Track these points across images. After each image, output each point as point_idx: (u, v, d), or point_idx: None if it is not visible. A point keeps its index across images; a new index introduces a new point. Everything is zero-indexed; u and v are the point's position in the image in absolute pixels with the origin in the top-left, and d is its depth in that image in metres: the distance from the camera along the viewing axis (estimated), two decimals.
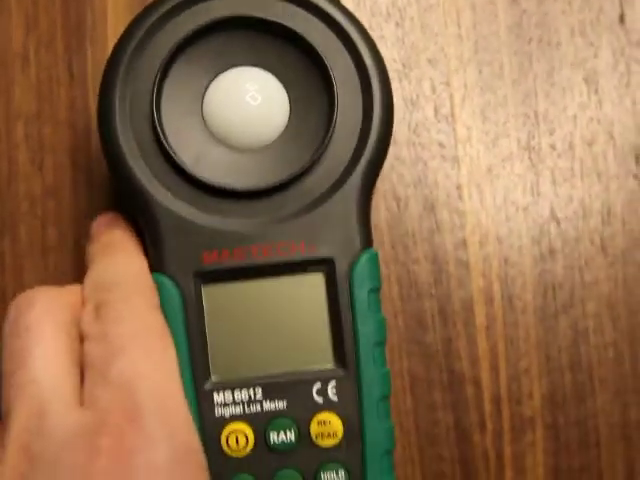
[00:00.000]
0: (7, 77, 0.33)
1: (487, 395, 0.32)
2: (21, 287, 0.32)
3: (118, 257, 0.28)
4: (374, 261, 0.28)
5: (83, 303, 0.27)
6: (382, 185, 0.33)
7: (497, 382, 0.32)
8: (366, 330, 0.28)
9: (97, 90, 0.32)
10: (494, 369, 0.32)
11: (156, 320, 0.27)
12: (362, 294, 0.28)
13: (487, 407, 0.32)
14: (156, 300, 0.27)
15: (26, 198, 0.33)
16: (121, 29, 0.30)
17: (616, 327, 0.32)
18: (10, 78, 0.33)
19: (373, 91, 0.28)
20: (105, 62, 0.29)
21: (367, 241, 0.28)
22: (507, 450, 0.32)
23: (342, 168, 0.28)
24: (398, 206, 0.33)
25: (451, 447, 0.32)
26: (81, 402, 0.24)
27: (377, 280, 0.28)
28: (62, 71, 0.33)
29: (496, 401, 0.32)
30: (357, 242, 0.28)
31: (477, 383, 0.32)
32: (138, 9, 0.29)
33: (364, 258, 0.28)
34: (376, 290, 0.28)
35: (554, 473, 0.32)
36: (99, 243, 0.29)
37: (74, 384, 0.25)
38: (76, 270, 0.32)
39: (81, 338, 0.26)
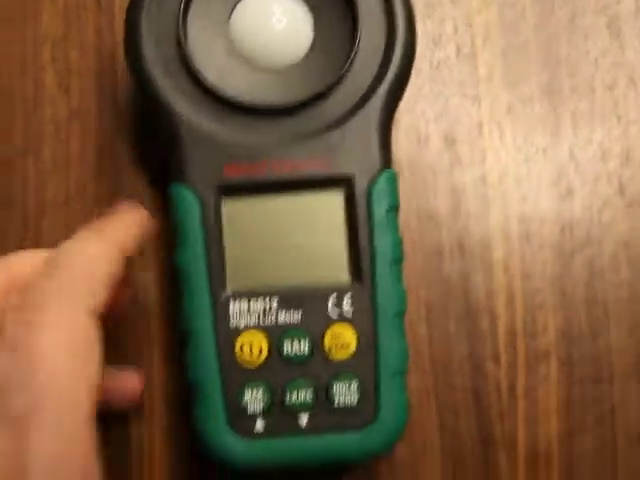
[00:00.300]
0: (36, 3, 0.34)
1: (502, 328, 0.32)
2: (43, 205, 0.32)
3: (90, 245, 0.25)
4: (393, 181, 0.28)
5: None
6: (403, 119, 0.33)
7: (513, 315, 0.32)
8: (383, 247, 0.28)
9: (124, 16, 0.33)
10: (510, 302, 0.32)
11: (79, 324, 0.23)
12: (380, 212, 0.28)
13: (502, 339, 0.32)
14: (92, 302, 0.24)
15: (52, 120, 0.33)
16: None
17: (631, 266, 0.32)
18: (39, 4, 0.34)
19: (396, 14, 0.29)
20: None
21: (387, 161, 0.28)
22: (520, 382, 0.32)
23: (365, 89, 0.29)
24: (419, 140, 0.33)
25: (465, 377, 0.32)
26: None
27: (395, 199, 0.28)
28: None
29: (511, 334, 0.32)
30: (377, 162, 0.28)
31: (493, 315, 0.32)
32: None
33: (383, 177, 0.28)
34: (394, 209, 0.28)
35: (566, 407, 0.32)
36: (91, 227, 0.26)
37: None
38: (97, 186, 0.33)
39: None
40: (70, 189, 0.33)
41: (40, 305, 0.23)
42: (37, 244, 0.32)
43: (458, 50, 0.34)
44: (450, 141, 0.33)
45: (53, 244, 0.32)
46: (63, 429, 0.22)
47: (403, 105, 0.33)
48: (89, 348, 0.23)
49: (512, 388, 0.32)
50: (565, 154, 0.33)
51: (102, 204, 0.32)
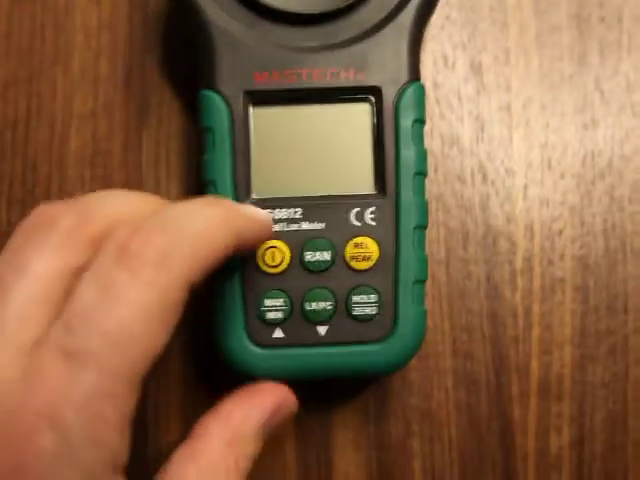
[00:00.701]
0: None
1: (520, 253, 0.32)
2: (70, 115, 0.33)
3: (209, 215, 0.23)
4: (420, 93, 0.29)
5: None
6: (430, 44, 0.33)
7: (531, 241, 0.32)
8: (408, 159, 0.28)
9: None
10: (528, 228, 0.32)
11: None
12: (407, 124, 0.28)
13: (519, 264, 0.32)
14: (191, 275, 0.22)
15: (82, 30, 0.33)
16: None
17: None
18: None
19: None
20: None
21: (415, 74, 0.29)
22: (535, 308, 0.32)
23: (396, 1, 0.29)
24: (446, 65, 0.33)
25: (481, 301, 0.32)
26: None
27: (422, 112, 0.29)
28: None
29: (528, 259, 0.32)
30: (405, 74, 0.28)
31: (511, 240, 0.32)
32: None
33: (411, 89, 0.28)
34: (420, 122, 0.29)
35: (581, 334, 0.32)
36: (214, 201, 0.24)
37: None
38: (125, 103, 0.33)
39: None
40: (98, 101, 0.33)
41: (146, 258, 0.21)
42: (63, 153, 0.33)
43: None
44: (476, 67, 0.33)
45: (78, 154, 0.33)
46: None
47: (431, 29, 0.33)
48: (171, 315, 0.21)
49: (527, 314, 0.32)
50: (591, 83, 0.33)
51: (130, 114, 0.33)
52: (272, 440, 0.28)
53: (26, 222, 0.23)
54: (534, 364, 0.32)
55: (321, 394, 0.32)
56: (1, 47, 0.33)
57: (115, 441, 0.21)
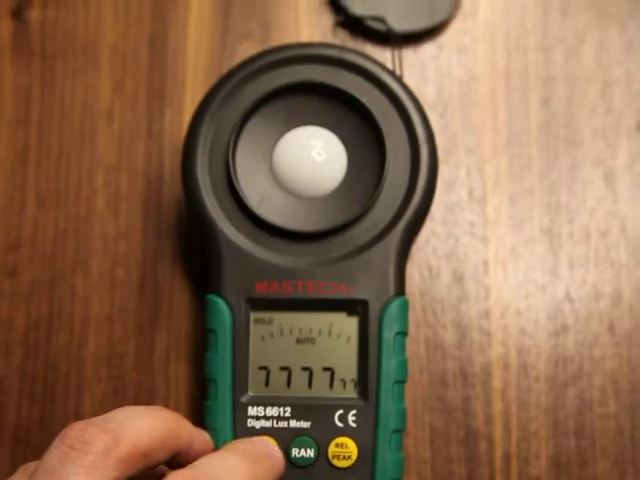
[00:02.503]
0: (93, 130, 0.38)
1: (499, 452, 0.35)
2: (89, 317, 0.36)
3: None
4: (404, 307, 0.32)
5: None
6: (417, 255, 0.37)
7: (508, 441, 0.35)
8: (389, 369, 0.31)
9: (172, 147, 0.37)
10: (506, 429, 0.35)
11: None
12: (389, 336, 0.32)
13: (498, 463, 0.35)
14: None
15: (100, 238, 0.37)
16: (198, 96, 0.34)
17: (619, 400, 0.36)
18: (95, 131, 0.38)
19: (421, 158, 0.33)
20: (183, 124, 0.34)
21: (400, 289, 0.32)
22: None
23: (386, 223, 0.32)
24: (430, 275, 0.37)
25: None
26: None
27: (405, 325, 0.32)
28: (142, 129, 0.38)
29: (506, 458, 0.35)
30: (391, 289, 0.32)
31: (490, 440, 0.35)
32: (214, 80, 0.34)
33: (395, 304, 0.32)
34: (403, 334, 0.32)
35: None
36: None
37: None
38: (138, 308, 0.36)
39: None
40: (114, 306, 0.36)
41: None
42: (81, 354, 0.36)
43: (470, 193, 0.37)
44: (458, 277, 0.37)
45: (96, 355, 0.36)
46: None
47: (418, 242, 0.37)
48: None
49: None
50: (562, 293, 0.37)
51: (143, 318, 0.36)
52: None
53: (61, 441, 0.25)
54: None
55: None
56: (26, 251, 0.37)
57: None
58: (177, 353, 0.36)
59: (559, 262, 0.37)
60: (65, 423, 0.34)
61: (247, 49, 0.38)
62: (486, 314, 0.36)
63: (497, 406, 0.36)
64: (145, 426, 0.26)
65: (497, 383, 0.36)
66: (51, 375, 0.36)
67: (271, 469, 0.29)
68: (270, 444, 0.30)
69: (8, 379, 0.35)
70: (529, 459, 0.35)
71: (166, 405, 0.35)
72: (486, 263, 0.37)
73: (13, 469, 0.34)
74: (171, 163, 0.37)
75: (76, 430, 0.25)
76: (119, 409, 0.27)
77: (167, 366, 0.36)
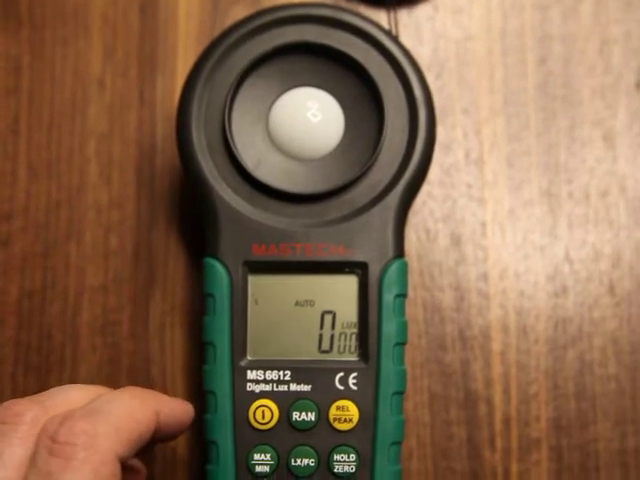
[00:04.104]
0: (84, 98, 0.37)
1: (498, 415, 0.35)
2: (83, 286, 0.36)
3: (134, 401, 0.28)
4: (403, 269, 0.32)
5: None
6: (414, 218, 0.36)
7: (508, 404, 0.35)
8: (389, 330, 0.31)
9: (164, 114, 0.36)
10: (506, 392, 0.35)
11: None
12: (389, 298, 0.31)
13: (498, 426, 0.35)
14: (120, 451, 0.26)
15: (93, 207, 0.36)
16: (190, 63, 0.34)
17: (619, 362, 0.35)
18: (87, 99, 0.37)
19: (419, 119, 0.32)
20: (175, 91, 0.34)
21: (399, 251, 0.32)
22: (514, 467, 0.35)
23: (384, 184, 0.32)
24: (428, 238, 0.36)
25: (463, 461, 0.35)
26: None
27: (404, 287, 0.32)
28: (134, 96, 0.37)
29: (506, 421, 0.35)
30: (390, 251, 0.31)
31: (490, 403, 0.35)
32: (206, 46, 0.33)
33: (395, 266, 0.31)
34: (402, 296, 0.32)
35: None
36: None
37: None
38: (132, 277, 0.36)
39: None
40: (108, 275, 0.36)
41: (74, 443, 0.25)
42: (75, 323, 0.35)
43: (467, 155, 0.37)
44: (456, 240, 0.36)
45: (90, 324, 0.36)
46: None
47: (414, 205, 0.36)
48: None
49: (507, 473, 0.34)
50: (561, 254, 0.36)
51: (138, 287, 0.36)
52: None
53: None
54: None
55: None
56: (19, 222, 0.36)
57: None
58: (172, 320, 0.35)
59: (558, 223, 0.36)
60: None
61: (238, 14, 0.38)
62: (484, 276, 0.36)
63: (496, 369, 0.35)
64: (73, 396, 0.27)
65: (496, 346, 0.35)
66: (46, 345, 0.35)
67: (175, 416, 0.29)
68: (176, 398, 0.31)
69: (3, 349, 0.35)
70: (529, 421, 0.35)
71: (162, 372, 0.35)
72: (484, 225, 0.36)
73: None
74: (163, 130, 0.37)
75: (6, 406, 0.26)
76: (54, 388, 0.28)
77: (162, 333, 0.35)
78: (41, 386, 0.35)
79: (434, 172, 0.37)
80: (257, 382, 0.31)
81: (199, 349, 0.33)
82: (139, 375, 0.35)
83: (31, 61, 0.38)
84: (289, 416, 0.31)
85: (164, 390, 0.35)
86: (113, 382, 0.35)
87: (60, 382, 0.35)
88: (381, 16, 0.38)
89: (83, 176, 0.37)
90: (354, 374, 0.31)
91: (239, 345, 0.31)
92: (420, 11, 0.38)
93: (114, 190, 0.36)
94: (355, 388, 0.31)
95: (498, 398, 0.35)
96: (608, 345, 0.36)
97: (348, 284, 0.32)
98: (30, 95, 0.37)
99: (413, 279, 0.36)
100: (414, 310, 0.36)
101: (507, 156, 0.37)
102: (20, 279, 0.36)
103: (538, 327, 0.36)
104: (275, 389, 0.31)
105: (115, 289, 0.36)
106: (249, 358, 0.31)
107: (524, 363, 0.35)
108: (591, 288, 0.36)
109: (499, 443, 0.35)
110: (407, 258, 0.34)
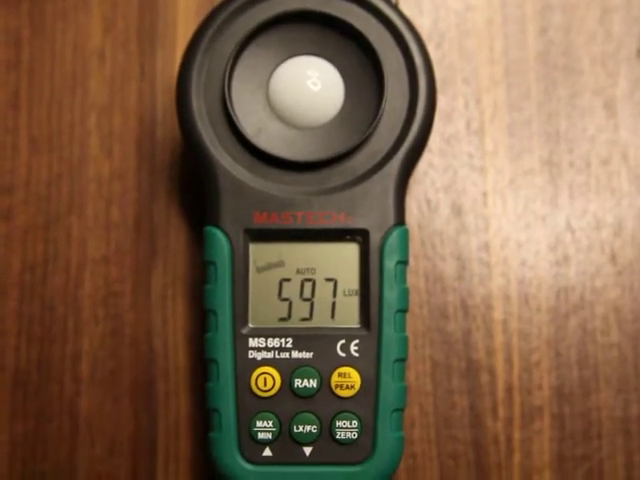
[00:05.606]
0: (84, 71, 0.37)
1: (501, 384, 0.35)
2: (85, 258, 0.36)
3: None
4: (404, 236, 0.32)
5: None
6: (415, 188, 0.36)
7: (510, 372, 0.35)
8: (391, 297, 0.31)
9: (165, 87, 0.36)
10: (508, 360, 0.35)
11: None
12: (391, 265, 0.31)
13: (500, 395, 0.35)
14: None
15: (94, 179, 0.36)
16: (189, 35, 0.33)
17: (621, 330, 0.35)
18: (87, 72, 0.37)
19: (419, 87, 0.32)
20: (174, 63, 0.34)
21: (400, 218, 0.32)
22: (516, 435, 0.35)
23: (385, 152, 0.32)
24: (429, 208, 0.36)
25: (465, 429, 0.35)
26: None
27: (405, 254, 0.32)
28: (134, 69, 0.37)
29: (508, 390, 0.35)
30: (391, 218, 0.31)
31: (492, 372, 0.35)
32: None
33: (396, 233, 0.31)
34: (404, 263, 0.32)
35: (558, 459, 0.34)
36: None
37: None
38: (134, 248, 0.36)
39: None
40: (110, 246, 0.36)
41: None
42: (77, 295, 0.35)
43: (467, 125, 0.37)
44: (457, 209, 0.36)
45: (92, 296, 0.36)
46: None
47: (415, 175, 0.36)
48: None
49: (509, 441, 0.35)
50: (562, 223, 0.36)
51: (139, 258, 0.36)
52: None
53: None
54: None
55: None
56: (20, 195, 0.36)
57: None
58: (174, 291, 0.35)
59: (559, 192, 0.36)
60: (64, 364, 0.35)
61: None
62: (486, 246, 0.36)
63: (498, 338, 0.35)
64: None
65: (498, 315, 0.35)
66: (48, 316, 0.35)
67: None
68: None
69: (5, 321, 0.35)
70: (531, 390, 0.35)
71: (164, 343, 0.35)
72: (485, 195, 0.36)
73: (13, 411, 0.35)
74: (164, 102, 0.37)
75: None
76: None
77: (164, 304, 0.35)
78: (43, 357, 0.35)
79: (435, 142, 0.37)
80: (259, 349, 0.31)
81: (201, 319, 0.33)
82: (141, 346, 0.35)
83: (31, 35, 0.38)
84: (291, 383, 0.31)
85: (166, 360, 0.35)
86: (115, 353, 0.35)
87: (63, 353, 0.35)
88: None
89: (84, 149, 0.37)
90: (356, 341, 0.31)
91: (241, 313, 0.31)
92: None
93: (115, 162, 0.37)
94: (357, 355, 0.31)
95: (500, 367, 0.35)
96: (610, 313, 0.35)
97: (349, 251, 0.32)
98: (30, 68, 0.37)
99: (414, 249, 0.36)
100: (416, 279, 0.36)
101: (508, 125, 0.37)
102: (22, 252, 0.36)
103: (540, 296, 0.36)
104: (277, 356, 0.31)
105: (117, 261, 0.36)
106: (251, 326, 0.31)
107: (526, 332, 0.35)
108: (593, 257, 0.36)
109: (501, 412, 0.35)
110: (408, 228, 0.34)
